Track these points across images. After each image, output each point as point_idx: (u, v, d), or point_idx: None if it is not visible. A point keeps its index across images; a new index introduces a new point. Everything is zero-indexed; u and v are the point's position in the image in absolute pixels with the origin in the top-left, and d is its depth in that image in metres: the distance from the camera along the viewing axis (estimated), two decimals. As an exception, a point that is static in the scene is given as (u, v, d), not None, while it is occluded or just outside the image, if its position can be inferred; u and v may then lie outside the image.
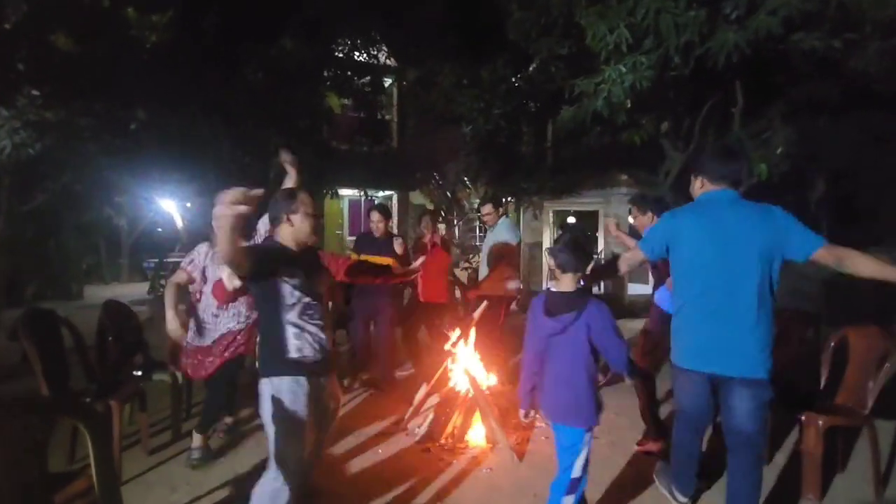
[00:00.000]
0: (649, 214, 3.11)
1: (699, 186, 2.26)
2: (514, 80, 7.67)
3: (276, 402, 1.92)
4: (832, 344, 2.92)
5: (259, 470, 2.85)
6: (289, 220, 2.05)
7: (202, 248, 2.99)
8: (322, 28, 7.34)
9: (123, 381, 3.04)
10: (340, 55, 9.24)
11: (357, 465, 2.96)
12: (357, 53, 9.46)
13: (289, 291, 1.99)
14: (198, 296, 2.98)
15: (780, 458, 3.01)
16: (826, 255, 2.01)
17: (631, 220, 3.33)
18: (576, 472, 2.02)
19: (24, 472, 1.24)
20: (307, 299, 2.04)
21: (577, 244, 2.06)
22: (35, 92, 4.59)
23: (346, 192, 12.33)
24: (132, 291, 10.93)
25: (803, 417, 2.59)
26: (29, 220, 8.21)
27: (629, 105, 5.49)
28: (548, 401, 2.10)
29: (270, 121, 6.70)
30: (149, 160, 6.47)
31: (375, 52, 9.76)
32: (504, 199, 11.33)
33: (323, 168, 8.35)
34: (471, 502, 2.57)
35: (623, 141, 6.78)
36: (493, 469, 2.91)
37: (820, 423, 2.54)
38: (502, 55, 7.35)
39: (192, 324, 2.95)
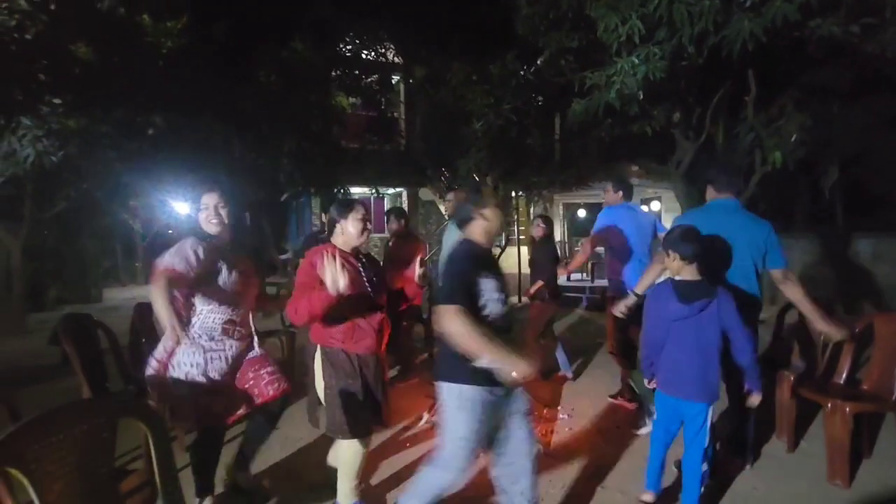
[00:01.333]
0: (619, 193, 3.79)
1: (712, 194, 2.77)
2: (522, 74, 7.66)
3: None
4: (857, 330, 2.93)
5: (287, 465, 2.93)
6: (481, 215, 2.00)
7: (190, 242, 2.14)
8: (331, 28, 7.39)
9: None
10: (348, 54, 9.30)
11: (388, 461, 3.00)
12: (365, 52, 9.51)
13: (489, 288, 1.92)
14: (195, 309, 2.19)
15: (807, 445, 3.03)
16: (779, 275, 2.60)
17: (603, 195, 3.96)
18: (707, 441, 2.24)
19: (95, 469, 1.31)
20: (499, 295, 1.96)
21: (696, 236, 2.27)
22: (56, 101, 4.68)
23: (357, 191, 12.41)
24: (149, 293, 11.09)
25: (829, 404, 2.62)
26: (50, 227, 8.37)
27: (641, 96, 5.48)
28: (674, 378, 2.30)
29: (283, 123, 6.78)
30: (164, 164, 6.59)
31: (383, 51, 9.81)
32: (514, 193, 11.38)
33: (335, 167, 8.44)
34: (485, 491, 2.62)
35: (634, 132, 6.77)
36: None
37: (847, 409, 2.56)
38: (511, 50, 7.33)
39: (183, 353, 2.14)
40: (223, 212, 2.22)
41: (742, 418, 2.69)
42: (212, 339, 2.19)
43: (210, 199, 2.20)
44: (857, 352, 2.97)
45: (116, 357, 3.11)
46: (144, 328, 3.30)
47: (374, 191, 11.27)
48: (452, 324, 1.72)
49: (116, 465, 1.69)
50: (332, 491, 2.40)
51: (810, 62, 5.45)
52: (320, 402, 2.34)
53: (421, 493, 1.93)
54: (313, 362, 2.33)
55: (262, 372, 2.29)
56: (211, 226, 2.20)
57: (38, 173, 5.21)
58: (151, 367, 2.17)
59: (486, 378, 1.80)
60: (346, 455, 2.31)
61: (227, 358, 2.23)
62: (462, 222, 2.04)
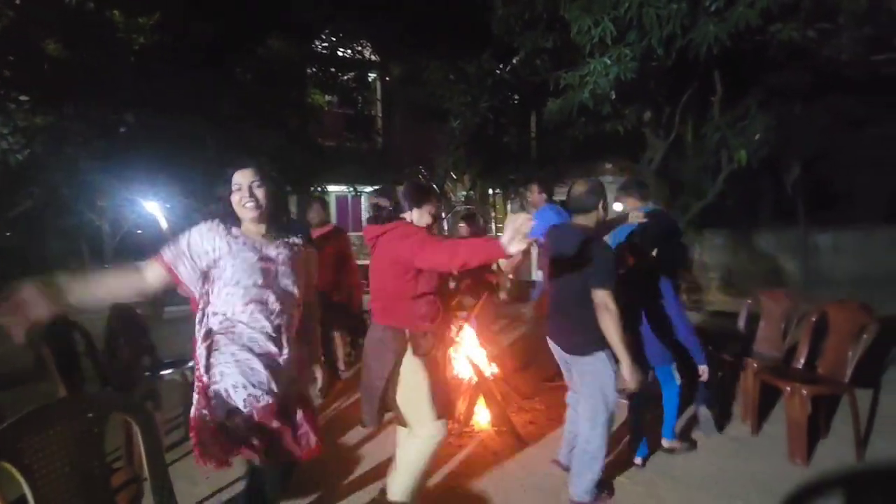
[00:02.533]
0: (543, 195, 4.09)
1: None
2: (499, 73, 7.77)
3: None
4: (813, 319, 3.11)
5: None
6: (603, 207, 2.43)
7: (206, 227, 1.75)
8: (307, 26, 7.34)
9: (136, 382, 3.10)
10: (325, 52, 9.24)
11: (367, 452, 3.06)
12: (341, 50, 9.47)
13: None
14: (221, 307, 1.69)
15: (768, 427, 3.21)
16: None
17: (529, 196, 4.21)
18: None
19: (86, 463, 1.33)
20: None
21: None
22: (23, 97, 4.55)
23: (334, 189, 12.35)
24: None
25: (788, 388, 2.79)
26: (14, 227, 8.09)
27: (613, 96, 5.64)
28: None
29: (260, 121, 6.71)
30: (136, 162, 6.45)
31: (360, 48, 9.78)
32: (491, 191, 11.51)
33: (311, 165, 8.39)
34: (482, 484, 2.71)
35: (607, 131, 6.96)
36: (500, 452, 3.04)
37: (804, 392, 2.73)
38: (487, 49, 7.43)
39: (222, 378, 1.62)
40: (259, 192, 1.75)
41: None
42: (249, 349, 1.66)
43: (243, 178, 1.75)
44: (814, 339, 3.15)
45: (93, 359, 3.07)
46: (122, 329, 3.27)
47: (351, 189, 11.23)
48: (611, 304, 2.18)
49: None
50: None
51: (772, 65, 5.71)
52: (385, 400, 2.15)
53: (599, 449, 2.35)
54: (387, 352, 2.13)
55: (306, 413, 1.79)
56: (245, 210, 1.75)
57: (2, 171, 5.05)
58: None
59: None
60: (423, 447, 2.13)
61: (272, 371, 1.68)
62: (588, 208, 2.40)
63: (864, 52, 4.73)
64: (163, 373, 3.44)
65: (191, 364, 3.47)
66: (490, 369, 3.80)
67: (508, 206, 12.79)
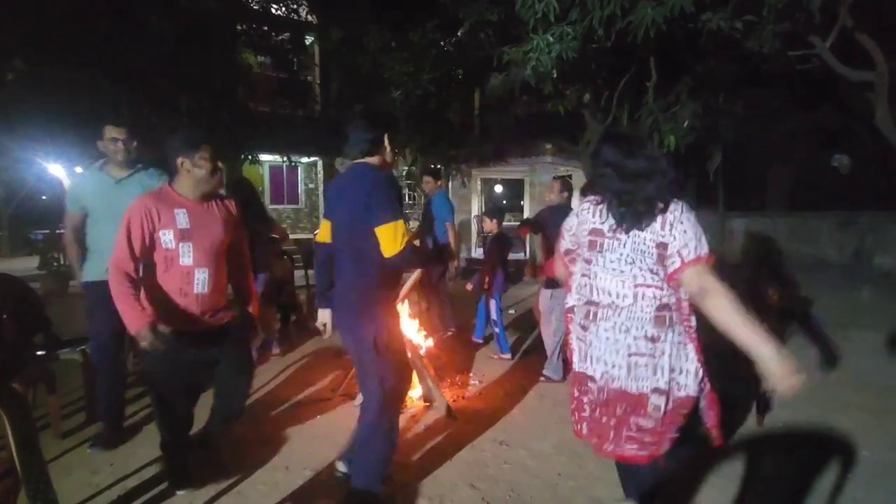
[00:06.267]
0: (440, 182, 4.83)
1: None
2: (443, 44, 7.58)
3: None
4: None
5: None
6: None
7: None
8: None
9: (26, 362, 2.76)
10: (256, 7, 8.56)
11: (296, 431, 2.94)
12: (274, 7, 8.82)
13: None
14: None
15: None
16: None
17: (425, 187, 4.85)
18: None
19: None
20: None
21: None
22: None
23: (267, 158, 11.67)
24: (18, 266, 9.70)
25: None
26: None
27: (555, 75, 5.67)
28: None
29: (180, 78, 6.11)
30: (30, 118, 5.68)
31: (295, 7, 9.16)
32: (434, 167, 11.37)
33: (242, 131, 7.83)
34: (411, 458, 2.68)
35: (548, 110, 7.02)
36: (431, 426, 3.03)
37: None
38: (432, 19, 7.20)
39: None
40: None
41: None
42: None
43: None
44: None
45: (-30, 336, 2.69)
46: (7, 303, 2.88)
47: (286, 159, 10.63)
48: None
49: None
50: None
51: (702, 54, 5.95)
52: None
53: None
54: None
55: None
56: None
57: None
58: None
59: None
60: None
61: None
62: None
63: (782, 46, 5.02)
64: (60, 352, 3.10)
65: (94, 342, 3.14)
66: (425, 343, 3.76)
67: (450, 184, 12.74)
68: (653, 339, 1.58)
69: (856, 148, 10.17)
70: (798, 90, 8.44)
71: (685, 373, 1.60)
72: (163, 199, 2.10)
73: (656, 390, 1.58)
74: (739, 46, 5.21)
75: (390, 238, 1.92)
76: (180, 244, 2.06)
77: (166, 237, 2.05)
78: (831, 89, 8.09)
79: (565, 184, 4.00)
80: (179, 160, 2.09)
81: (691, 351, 1.61)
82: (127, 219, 2.02)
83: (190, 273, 2.08)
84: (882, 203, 8.06)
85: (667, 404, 1.59)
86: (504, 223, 4.73)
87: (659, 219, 1.57)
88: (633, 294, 1.59)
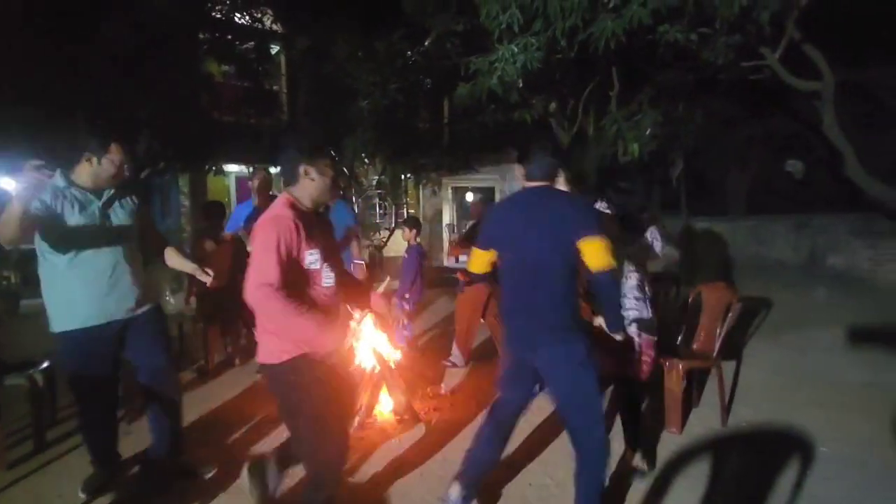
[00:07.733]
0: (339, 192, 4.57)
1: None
2: (410, 54, 7.59)
3: None
4: (689, 299, 3.40)
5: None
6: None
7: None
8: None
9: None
10: (219, 16, 8.39)
11: (267, 445, 2.85)
12: (238, 15, 8.66)
13: None
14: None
15: (647, 399, 3.47)
16: None
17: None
18: None
19: None
20: None
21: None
22: None
23: (233, 169, 11.41)
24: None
25: (667, 363, 3.02)
26: None
27: (521, 84, 5.75)
28: None
29: (139, 86, 5.90)
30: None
31: (259, 16, 9.02)
32: (403, 176, 11.33)
33: (205, 141, 7.64)
34: (382, 471, 2.63)
35: (515, 119, 7.11)
36: (402, 439, 2.99)
37: (680, 366, 2.97)
38: (398, 29, 7.21)
39: None
40: None
41: None
42: None
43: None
44: (691, 318, 3.44)
45: None
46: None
47: (252, 168, 10.40)
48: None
49: None
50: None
51: (661, 64, 6.14)
52: None
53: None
54: None
55: None
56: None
57: None
58: None
59: None
60: None
61: None
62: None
63: (735, 57, 5.22)
64: (10, 378, 2.92)
65: (43, 366, 2.99)
66: (394, 356, 3.71)
67: (420, 192, 12.73)
68: None
69: (808, 153, 10.67)
70: (753, 99, 8.80)
71: None
72: (299, 214, 1.85)
73: None
74: (696, 57, 5.40)
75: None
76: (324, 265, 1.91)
77: (312, 257, 1.85)
78: (783, 98, 8.46)
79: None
80: (303, 168, 1.90)
81: None
82: (276, 234, 1.75)
83: (329, 293, 1.95)
84: (833, 206, 8.44)
85: None
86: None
87: None
88: None
